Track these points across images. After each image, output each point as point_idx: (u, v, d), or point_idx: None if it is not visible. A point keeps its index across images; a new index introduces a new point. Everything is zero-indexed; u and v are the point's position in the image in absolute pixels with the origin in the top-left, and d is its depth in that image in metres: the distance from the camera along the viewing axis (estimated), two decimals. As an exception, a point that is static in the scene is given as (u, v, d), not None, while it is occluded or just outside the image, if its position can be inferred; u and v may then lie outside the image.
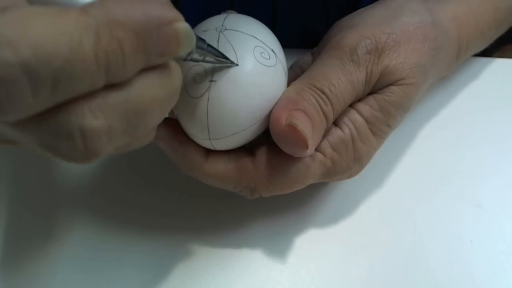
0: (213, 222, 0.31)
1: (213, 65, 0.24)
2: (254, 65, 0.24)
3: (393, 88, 0.27)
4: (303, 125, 0.24)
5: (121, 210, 0.32)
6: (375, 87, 0.27)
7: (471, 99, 0.37)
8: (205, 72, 0.24)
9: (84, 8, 0.16)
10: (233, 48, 0.24)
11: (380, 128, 0.27)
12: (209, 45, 0.22)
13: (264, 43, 0.25)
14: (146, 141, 0.23)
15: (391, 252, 0.29)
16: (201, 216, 0.31)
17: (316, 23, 0.38)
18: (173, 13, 0.18)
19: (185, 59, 0.21)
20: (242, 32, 0.25)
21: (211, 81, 0.24)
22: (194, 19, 0.38)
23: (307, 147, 0.24)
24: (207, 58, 0.22)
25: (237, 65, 0.24)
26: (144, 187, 0.33)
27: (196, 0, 0.38)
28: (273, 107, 0.25)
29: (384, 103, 0.27)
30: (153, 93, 0.19)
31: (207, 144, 0.25)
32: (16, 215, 0.32)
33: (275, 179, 0.26)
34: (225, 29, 0.25)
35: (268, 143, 0.26)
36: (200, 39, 0.22)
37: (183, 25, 0.18)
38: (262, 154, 0.26)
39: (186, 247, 0.30)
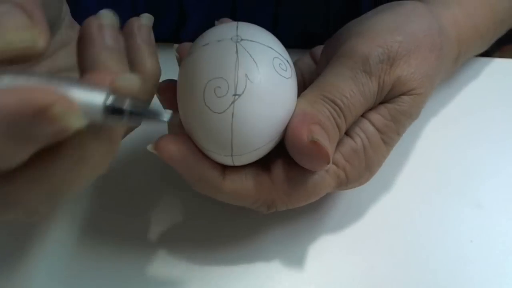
0: (213, 223, 0.31)
1: (234, 76, 0.23)
2: (276, 77, 0.24)
3: (404, 98, 0.27)
4: (324, 140, 0.23)
5: (123, 219, 0.31)
6: (386, 96, 0.27)
7: (471, 99, 0.37)
8: (227, 85, 0.23)
9: None
10: (253, 60, 0.24)
11: (391, 136, 0.27)
12: (131, 103, 0.18)
13: (280, 54, 0.25)
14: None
15: (391, 252, 0.29)
16: (201, 218, 0.31)
17: (317, 23, 0.38)
18: (37, 101, 0.15)
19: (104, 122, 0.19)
20: (259, 42, 0.24)
21: (234, 95, 0.23)
22: (197, 19, 0.38)
23: (329, 162, 0.24)
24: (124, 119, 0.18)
25: (165, 121, 0.19)
26: (147, 193, 0.32)
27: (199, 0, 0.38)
28: (290, 120, 0.24)
29: (396, 112, 0.27)
30: (70, 167, 0.18)
31: (227, 160, 0.24)
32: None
33: (292, 193, 0.25)
34: (241, 39, 0.24)
35: (282, 157, 0.25)
36: (117, 98, 0.18)
37: (55, 109, 0.16)
38: (278, 168, 0.25)
39: (185, 248, 0.30)
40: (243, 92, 0.23)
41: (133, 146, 0.28)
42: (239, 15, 0.38)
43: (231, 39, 0.24)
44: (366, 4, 0.31)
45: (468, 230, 0.30)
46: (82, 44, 0.21)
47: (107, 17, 0.22)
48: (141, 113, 0.18)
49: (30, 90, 0.16)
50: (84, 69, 0.20)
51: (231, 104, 0.23)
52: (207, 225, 0.31)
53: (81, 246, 0.30)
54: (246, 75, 0.23)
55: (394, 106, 0.27)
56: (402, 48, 0.26)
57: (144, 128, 0.26)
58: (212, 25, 0.29)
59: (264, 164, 0.26)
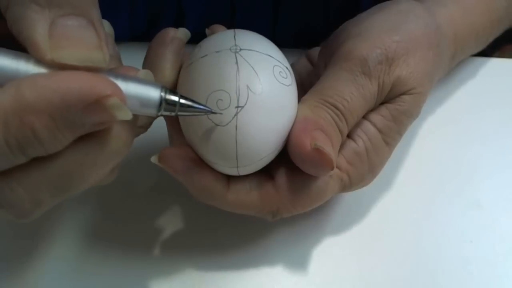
0: (215, 226, 0.31)
1: (236, 88, 0.23)
2: (277, 86, 0.24)
3: (405, 97, 0.27)
4: (327, 146, 0.23)
5: (127, 225, 0.31)
6: (387, 97, 0.27)
7: (471, 99, 0.37)
8: (229, 98, 0.23)
9: None
10: (254, 70, 0.23)
11: (393, 137, 0.27)
12: (182, 96, 0.21)
13: (279, 62, 0.25)
14: (107, 181, 0.23)
15: (391, 252, 0.29)
16: (204, 221, 0.31)
17: (316, 23, 0.38)
18: (97, 89, 0.17)
19: (156, 116, 0.20)
20: (258, 51, 0.24)
21: (237, 107, 0.23)
22: (195, 19, 0.38)
23: (333, 168, 0.24)
24: (180, 113, 0.21)
25: (216, 113, 0.22)
26: (150, 197, 0.32)
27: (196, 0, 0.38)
28: (292, 127, 0.24)
29: (397, 112, 0.27)
30: (86, 160, 0.19)
31: (232, 171, 0.24)
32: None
33: (297, 201, 0.25)
34: (240, 49, 0.24)
35: (285, 165, 0.25)
36: (171, 92, 0.20)
37: (110, 101, 0.17)
38: (282, 177, 0.25)
39: (189, 252, 0.30)
40: (245, 104, 0.23)
41: (137, 152, 0.28)
42: (238, 15, 0.38)
43: (230, 49, 0.24)
44: (366, 3, 0.31)
45: (468, 230, 0.30)
46: (154, 44, 0.25)
47: (181, 33, 0.26)
48: (189, 105, 0.21)
49: (91, 77, 0.17)
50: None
51: (234, 116, 0.23)
52: (210, 229, 0.31)
53: (84, 252, 0.30)
54: (247, 86, 0.23)
55: (395, 106, 0.27)
56: (400, 48, 0.26)
57: (146, 134, 0.26)
58: (211, 24, 0.29)
59: (267, 171, 0.26)
